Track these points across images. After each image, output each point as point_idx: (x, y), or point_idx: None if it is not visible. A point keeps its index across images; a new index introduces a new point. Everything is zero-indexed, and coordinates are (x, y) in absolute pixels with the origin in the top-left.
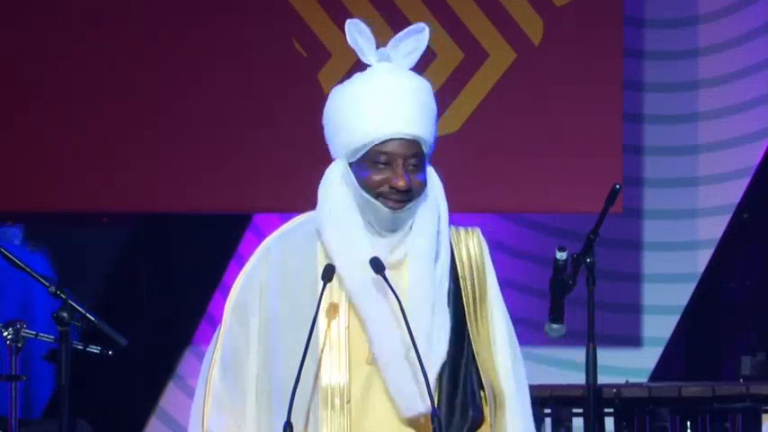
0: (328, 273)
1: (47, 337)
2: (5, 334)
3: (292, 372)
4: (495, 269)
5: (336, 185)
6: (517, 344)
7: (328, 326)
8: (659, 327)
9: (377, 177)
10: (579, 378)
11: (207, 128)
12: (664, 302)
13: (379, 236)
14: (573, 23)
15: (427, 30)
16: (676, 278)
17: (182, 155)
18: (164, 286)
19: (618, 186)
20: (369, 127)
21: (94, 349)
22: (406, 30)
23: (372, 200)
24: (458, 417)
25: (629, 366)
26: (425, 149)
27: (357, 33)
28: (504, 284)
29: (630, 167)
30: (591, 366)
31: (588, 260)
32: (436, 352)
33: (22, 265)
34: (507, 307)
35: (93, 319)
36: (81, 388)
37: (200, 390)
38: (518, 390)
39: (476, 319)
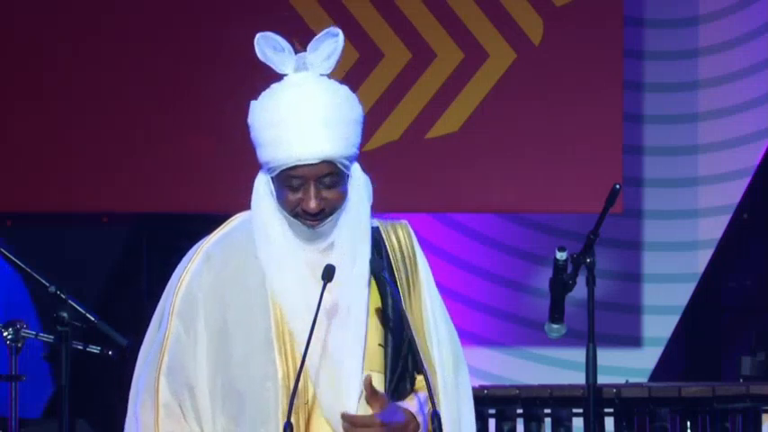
0: (329, 272)
1: (47, 337)
2: (5, 334)
3: (252, 376)
4: (496, 267)
5: (264, 197)
6: (453, 327)
7: (277, 328)
8: (659, 327)
9: (290, 198)
10: (579, 378)
11: (207, 128)
12: (664, 302)
13: (310, 243)
14: (573, 23)
15: (341, 35)
16: (676, 278)
17: (182, 155)
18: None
19: (618, 186)
20: (277, 152)
21: (94, 349)
22: (322, 32)
23: (291, 218)
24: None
25: (629, 366)
26: (342, 164)
27: (266, 47)
28: (505, 285)
29: (630, 167)
30: (591, 366)
31: (588, 260)
32: (355, 360)
33: (23, 266)
34: (507, 307)
35: (93, 319)
36: (81, 388)
37: (144, 398)
38: (455, 368)
39: (410, 307)
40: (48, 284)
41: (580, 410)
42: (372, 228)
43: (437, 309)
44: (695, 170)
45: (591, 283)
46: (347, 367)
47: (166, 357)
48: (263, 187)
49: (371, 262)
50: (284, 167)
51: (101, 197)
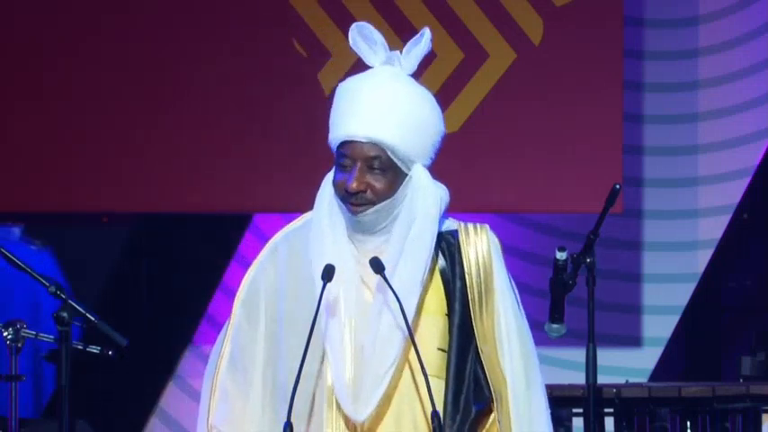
0: (328, 272)
1: (47, 337)
2: (5, 334)
3: (294, 373)
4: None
5: (325, 192)
6: (529, 337)
7: (327, 326)
8: (659, 327)
9: (338, 179)
10: (579, 378)
11: (207, 128)
12: (664, 302)
13: (363, 236)
14: (573, 23)
15: (428, 35)
16: (676, 278)
17: (182, 155)
18: (164, 286)
19: (618, 186)
20: (335, 129)
21: (94, 349)
22: (417, 35)
23: (340, 202)
24: (461, 413)
25: (629, 366)
26: (395, 155)
27: (359, 36)
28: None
29: (630, 167)
30: (591, 366)
31: (588, 260)
32: (380, 359)
33: (23, 266)
34: None
35: (93, 319)
36: (81, 388)
37: (207, 385)
38: (527, 382)
39: (480, 315)
40: (48, 284)
41: (580, 410)
42: (450, 230)
43: (510, 319)
44: (695, 170)
45: (591, 283)
46: (375, 368)
47: (228, 345)
48: (328, 181)
49: (371, 261)
50: (338, 142)
51: (101, 197)
